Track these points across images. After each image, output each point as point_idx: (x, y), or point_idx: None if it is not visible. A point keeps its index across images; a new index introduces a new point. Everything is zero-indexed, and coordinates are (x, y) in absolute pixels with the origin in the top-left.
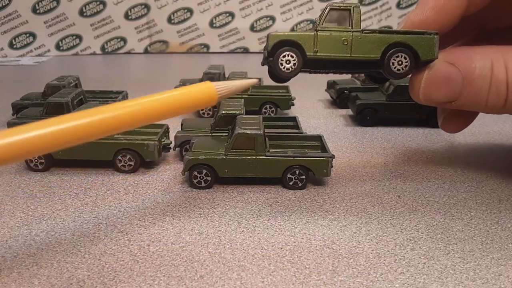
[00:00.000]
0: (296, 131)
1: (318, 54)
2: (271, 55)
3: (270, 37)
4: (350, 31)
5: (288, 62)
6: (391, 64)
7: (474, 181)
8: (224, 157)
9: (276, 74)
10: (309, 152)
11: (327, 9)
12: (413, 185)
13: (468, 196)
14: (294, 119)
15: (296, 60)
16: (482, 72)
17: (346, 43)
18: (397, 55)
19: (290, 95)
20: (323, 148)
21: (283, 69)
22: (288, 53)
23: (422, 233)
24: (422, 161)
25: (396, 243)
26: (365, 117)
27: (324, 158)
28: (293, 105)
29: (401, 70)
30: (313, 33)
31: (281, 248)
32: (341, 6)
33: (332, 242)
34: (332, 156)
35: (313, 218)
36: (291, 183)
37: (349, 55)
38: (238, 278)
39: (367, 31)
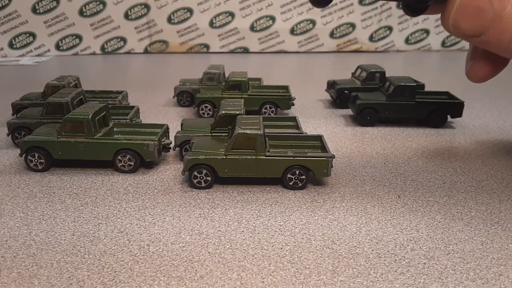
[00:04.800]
0: (296, 131)
1: None
2: None
3: None
4: None
5: None
6: None
7: (474, 181)
8: (224, 157)
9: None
10: (309, 152)
11: None
12: (413, 185)
13: (468, 196)
14: (294, 119)
15: None
16: None
17: None
18: None
19: (290, 95)
20: (323, 148)
21: None
22: None
23: (422, 233)
24: (422, 161)
25: (396, 243)
26: (365, 117)
27: (324, 158)
28: (293, 105)
29: None
30: None
31: (281, 248)
32: None
33: (332, 242)
34: (332, 156)
35: (313, 218)
36: (291, 183)
37: None
38: (238, 278)
39: None
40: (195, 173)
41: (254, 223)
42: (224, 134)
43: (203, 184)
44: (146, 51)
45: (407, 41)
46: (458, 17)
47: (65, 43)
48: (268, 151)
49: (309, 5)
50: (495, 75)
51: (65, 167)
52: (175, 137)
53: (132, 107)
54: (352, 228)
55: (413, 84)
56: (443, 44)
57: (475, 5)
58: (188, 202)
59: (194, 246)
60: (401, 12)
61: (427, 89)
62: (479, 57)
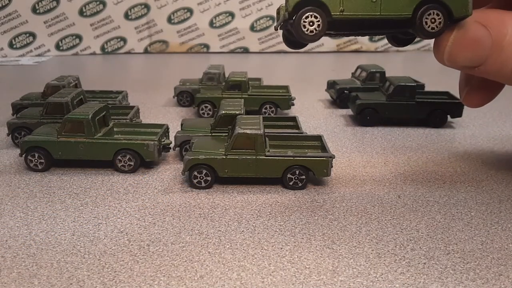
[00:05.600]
0: (296, 131)
1: (344, 13)
2: (291, 17)
3: None
4: None
5: (311, 23)
6: (423, 22)
7: (474, 181)
8: (224, 157)
9: (298, 38)
10: (309, 152)
11: None
12: (413, 185)
13: (468, 196)
14: (294, 119)
15: (321, 21)
16: None
17: (375, 0)
18: (429, 12)
19: (290, 95)
20: (323, 148)
21: (306, 32)
22: (311, 13)
23: (422, 233)
24: (422, 161)
25: (396, 243)
26: (365, 117)
27: (324, 158)
28: (293, 105)
29: (435, 28)
30: None
31: (281, 248)
32: None
33: (332, 242)
34: (332, 156)
35: (313, 218)
36: (291, 183)
37: (379, 13)
38: (238, 278)
39: None
40: (195, 173)
41: (254, 223)
42: (224, 134)
43: (203, 184)
44: (146, 51)
45: None
46: (454, 50)
47: (65, 43)
48: (268, 151)
49: None
50: (492, 99)
51: (65, 167)
52: (175, 137)
53: (132, 107)
54: (352, 228)
55: (413, 84)
56: None
57: (472, 37)
58: (188, 202)
59: (194, 246)
60: None
61: (427, 89)
62: (474, 84)
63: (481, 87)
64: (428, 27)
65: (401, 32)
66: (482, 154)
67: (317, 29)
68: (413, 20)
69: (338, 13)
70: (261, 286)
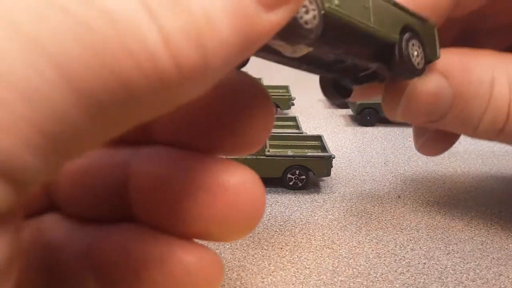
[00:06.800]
0: (296, 131)
1: (339, 10)
2: None
3: None
4: None
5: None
6: (410, 54)
7: (474, 181)
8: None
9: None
10: (309, 152)
11: None
12: (413, 185)
13: (468, 196)
14: (294, 119)
15: (317, 11)
16: (480, 90)
17: (367, 6)
18: (413, 42)
19: (290, 95)
20: (323, 148)
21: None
22: None
23: (422, 233)
24: (422, 161)
25: (396, 243)
26: (365, 117)
27: (324, 158)
28: (293, 105)
29: (419, 64)
30: None
31: (281, 248)
32: None
33: (332, 242)
34: (332, 156)
35: (313, 218)
36: (291, 183)
37: (371, 24)
38: (238, 278)
39: None
40: None
41: None
42: None
43: None
44: None
45: None
46: (408, 105)
47: None
48: (268, 151)
49: None
50: (450, 147)
51: None
52: None
53: None
54: (352, 228)
55: None
56: None
57: (429, 91)
58: None
59: None
60: None
61: None
62: (431, 135)
63: (438, 137)
64: (415, 60)
65: (372, 69)
66: (482, 154)
67: (314, 21)
68: (399, 48)
69: (334, 6)
70: (261, 286)
